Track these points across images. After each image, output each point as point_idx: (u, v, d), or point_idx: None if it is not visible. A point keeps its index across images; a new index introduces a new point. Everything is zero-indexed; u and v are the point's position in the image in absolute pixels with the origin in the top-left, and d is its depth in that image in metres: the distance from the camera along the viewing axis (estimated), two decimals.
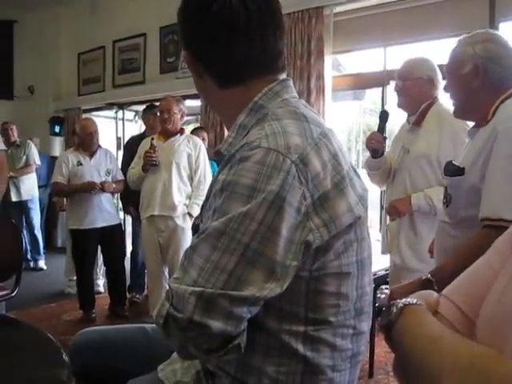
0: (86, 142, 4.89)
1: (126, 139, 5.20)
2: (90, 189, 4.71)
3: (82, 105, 8.50)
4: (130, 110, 8.61)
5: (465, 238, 1.85)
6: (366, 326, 1.26)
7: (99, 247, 4.99)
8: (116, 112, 8.48)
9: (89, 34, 8.20)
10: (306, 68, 5.42)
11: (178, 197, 4.22)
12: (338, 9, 5.30)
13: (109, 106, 8.44)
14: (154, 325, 1.17)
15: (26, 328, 1.72)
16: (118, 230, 5.05)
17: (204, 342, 1.04)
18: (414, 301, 0.93)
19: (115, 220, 4.98)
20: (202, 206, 1.30)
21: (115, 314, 4.90)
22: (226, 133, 1.30)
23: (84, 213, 4.77)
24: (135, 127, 8.77)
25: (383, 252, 3.07)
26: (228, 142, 1.24)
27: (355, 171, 1.26)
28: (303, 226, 1.06)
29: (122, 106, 8.30)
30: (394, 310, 0.92)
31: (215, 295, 1.01)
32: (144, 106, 6.01)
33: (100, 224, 4.79)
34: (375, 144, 2.89)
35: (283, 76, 1.29)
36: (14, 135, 6.87)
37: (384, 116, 2.97)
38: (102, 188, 4.74)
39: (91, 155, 4.91)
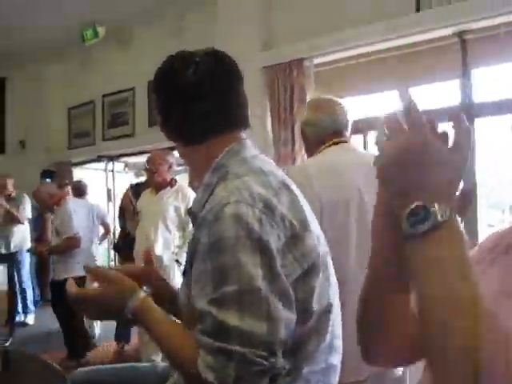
0: None
1: (117, 190, 5.29)
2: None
3: (72, 158, 8.60)
4: (120, 162, 8.70)
5: None
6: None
7: None
8: (106, 164, 8.57)
9: (78, 89, 8.35)
10: (289, 118, 5.59)
11: (161, 248, 4.28)
12: (317, 60, 5.52)
13: (99, 159, 8.54)
14: (164, 363, 1.22)
15: (35, 360, 1.80)
16: None
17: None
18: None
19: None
20: (185, 269, 1.38)
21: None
22: None
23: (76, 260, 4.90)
24: (125, 178, 8.85)
25: None
26: (197, 202, 1.37)
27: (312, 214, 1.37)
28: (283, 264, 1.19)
29: (111, 158, 8.42)
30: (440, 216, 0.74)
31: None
32: (133, 158, 6.09)
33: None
34: None
35: (245, 131, 1.44)
36: (10, 188, 6.96)
37: None
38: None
39: None
